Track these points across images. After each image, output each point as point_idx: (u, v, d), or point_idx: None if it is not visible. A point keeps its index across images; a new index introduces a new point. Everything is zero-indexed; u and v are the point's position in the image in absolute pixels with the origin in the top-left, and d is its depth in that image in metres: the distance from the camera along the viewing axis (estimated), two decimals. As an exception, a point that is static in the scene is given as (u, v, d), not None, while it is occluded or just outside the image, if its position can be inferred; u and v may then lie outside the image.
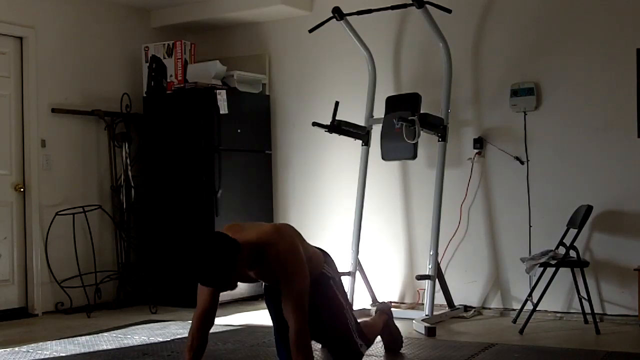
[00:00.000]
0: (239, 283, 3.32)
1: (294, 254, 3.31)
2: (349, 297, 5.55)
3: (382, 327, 4.14)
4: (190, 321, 3.43)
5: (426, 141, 5.56)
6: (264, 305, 4.03)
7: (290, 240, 3.35)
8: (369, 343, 3.90)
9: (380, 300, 5.72)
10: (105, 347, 4.49)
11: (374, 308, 4.77)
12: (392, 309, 5.64)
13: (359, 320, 3.92)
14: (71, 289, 5.91)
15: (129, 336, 4.83)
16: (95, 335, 4.89)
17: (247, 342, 4.56)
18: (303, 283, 3.31)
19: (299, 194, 6.47)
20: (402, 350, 4.25)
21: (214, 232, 3.27)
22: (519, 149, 5.46)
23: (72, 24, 6.23)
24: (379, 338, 4.17)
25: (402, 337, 4.28)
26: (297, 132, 6.45)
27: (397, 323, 4.84)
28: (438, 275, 5.24)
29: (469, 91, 5.69)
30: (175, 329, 5.02)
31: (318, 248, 3.81)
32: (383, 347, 4.23)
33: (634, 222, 5.09)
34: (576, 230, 4.84)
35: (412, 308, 5.72)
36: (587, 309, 4.90)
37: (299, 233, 3.54)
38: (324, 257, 3.75)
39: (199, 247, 3.10)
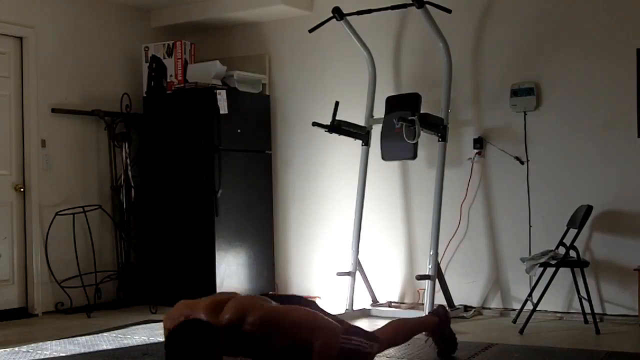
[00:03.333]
0: None
1: (266, 312, 3.21)
2: (349, 298, 5.57)
3: (421, 327, 4.01)
4: None
5: (426, 141, 5.56)
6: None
7: (255, 306, 3.21)
8: (385, 344, 3.74)
9: (385, 300, 5.72)
10: (105, 347, 4.49)
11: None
12: (393, 309, 5.68)
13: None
14: (71, 289, 5.91)
15: (129, 336, 4.83)
16: (95, 335, 4.89)
17: (247, 342, 4.56)
18: (297, 315, 3.26)
19: (299, 194, 6.47)
20: (402, 351, 4.24)
21: (190, 320, 3.14)
22: (519, 149, 5.46)
23: (72, 24, 6.23)
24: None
25: (455, 342, 4.07)
26: (297, 132, 6.45)
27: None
28: (438, 275, 5.24)
29: (469, 91, 5.69)
30: (175, 329, 5.02)
31: (291, 298, 3.67)
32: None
33: (634, 222, 5.09)
34: (576, 231, 4.84)
35: (412, 308, 5.71)
36: (587, 309, 4.90)
37: (263, 297, 3.42)
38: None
39: (177, 342, 2.97)
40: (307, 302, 3.65)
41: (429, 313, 4.22)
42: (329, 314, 3.60)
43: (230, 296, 3.39)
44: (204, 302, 3.31)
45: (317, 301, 3.73)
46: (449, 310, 4.76)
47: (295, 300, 3.62)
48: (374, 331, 3.71)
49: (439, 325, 3.98)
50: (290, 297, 3.65)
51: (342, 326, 3.52)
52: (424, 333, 4.10)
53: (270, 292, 6.38)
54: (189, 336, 2.99)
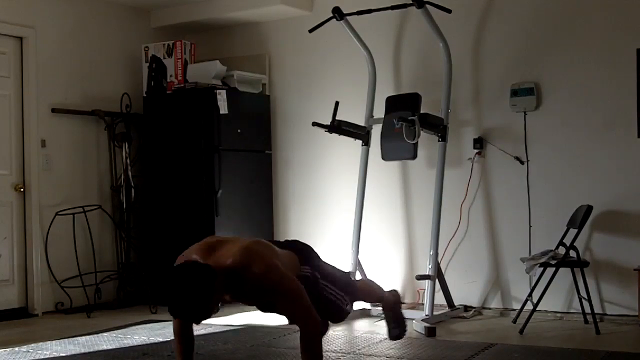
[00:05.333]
0: None
1: (273, 269, 3.23)
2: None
3: (382, 300, 4.11)
4: None
5: (426, 141, 5.56)
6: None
7: (263, 257, 3.23)
8: (354, 300, 3.87)
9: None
10: (105, 347, 4.49)
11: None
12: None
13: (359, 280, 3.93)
14: (71, 289, 5.91)
15: (129, 336, 4.83)
16: (95, 335, 4.89)
17: (247, 342, 4.56)
18: (295, 288, 3.27)
19: (299, 194, 6.47)
20: (402, 351, 4.25)
21: (187, 263, 3.13)
22: (519, 149, 5.47)
23: (72, 24, 6.23)
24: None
25: (405, 327, 4.09)
26: (297, 132, 6.45)
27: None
28: (438, 275, 5.24)
29: (469, 91, 5.69)
30: (175, 329, 5.02)
31: (291, 243, 3.71)
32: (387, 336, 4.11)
33: (634, 222, 5.09)
34: (576, 230, 4.84)
35: (412, 308, 5.71)
36: (587, 309, 4.90)
37: (269, 244, 3.44)
38: (299, 254, 3.66)
39: (175, 283, 2.99)
40: (305, 247, 3.71)
41: (388, 292, 4.25)
42: (326, 263, 3.72)
43: (225, 238, 3.39)
44: (197, 245, 3.31)
45: (312, 248, 3.81)
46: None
47: (295, 245, 3.69)
48: (353, 286, 3.85)
49: (393, 302, 4.11)
50: (291, 242, 3.73)
51: (334, 274, 3.70)
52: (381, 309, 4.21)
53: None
54: (186, 278, 2.99)
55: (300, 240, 3.82)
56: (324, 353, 4.17)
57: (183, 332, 3.45)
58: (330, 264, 3.86)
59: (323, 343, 4.31)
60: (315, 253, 3.74)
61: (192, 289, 2.99)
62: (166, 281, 3.03)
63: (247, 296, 3.34)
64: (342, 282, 3.77)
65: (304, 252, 3.66)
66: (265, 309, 3.52)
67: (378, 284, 4.25)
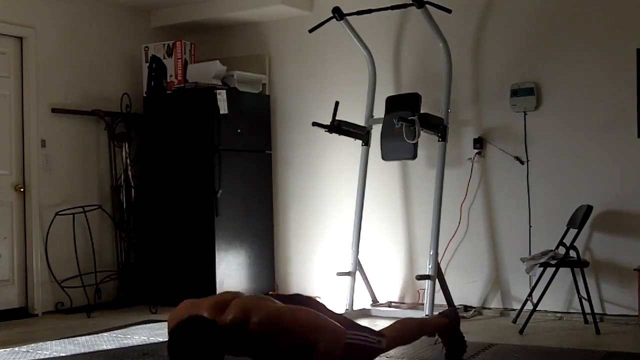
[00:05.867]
0: None
1: (271, 312, 3.16)
2: (349, 298, 5.56)
3: (429, 328, 3.96)
4: None
5: (426, 141, 5.56)
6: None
7: (259, 307, 3.18)
8: (392, 341, 3.65)
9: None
10: (105, 347, 4.49)
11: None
12: (393, 309, 5.68)
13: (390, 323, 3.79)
14: (71, 289, 5.91)
15: (129, 336, 4.83)
16: (95, 335, 4.89)
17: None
18: (299, 315, 3.21)
19: (299, 194, 6.47)
20: (402, 351, 4.24)
21: (194, 317, 3.05)
22: (519, 149, 5.47)
23: (72, 24, 6.23)
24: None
25: (465, 345, 3.97)
26: (297, 132, 6.45)
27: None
28: (438, 275, 5.24)
29: (469, 91, 5.69)
30: (175, 329, 5.01)
31: (293, 297, 3.56)
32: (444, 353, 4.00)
33: (634, 222, 5.09)
34: (576, 230, 4.85)
35: (412, 308, 5.71)
36: (587, 309, 4.90)
37: (267, 297, 3.40)
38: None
39: (182, 337, 2.95)
40: (310, 301, 3.60)
41: (439, 314, 4.13)
42: (333, 312, 3.58)
43: (234, 296, 3.36)
44: (208, 301, 3.28)
45: (318, 300, 3.67)
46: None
47: (299, 299, 3.56)
48: (380, 330, 3.67)
49: (449, 326, 3.93)
50: (293, 296, 3.62)
51: (346, 323, 3.46)
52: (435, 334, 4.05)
53: (271, 292, 6.38)
54: (192, 333, 2.97)
55: (301, 293, 3.69)
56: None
57: None
58: (337, 312, 3.69)
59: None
60: (321, 305, 3.61)
61: (198, 344, 2.94)
62: (173, 334, 2.99)
63: (256, 351, 3.27)
64: (356, 324, 3.59)
65: (307, 307, 3.47)
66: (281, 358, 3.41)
67: (422, 317, 4.04)
